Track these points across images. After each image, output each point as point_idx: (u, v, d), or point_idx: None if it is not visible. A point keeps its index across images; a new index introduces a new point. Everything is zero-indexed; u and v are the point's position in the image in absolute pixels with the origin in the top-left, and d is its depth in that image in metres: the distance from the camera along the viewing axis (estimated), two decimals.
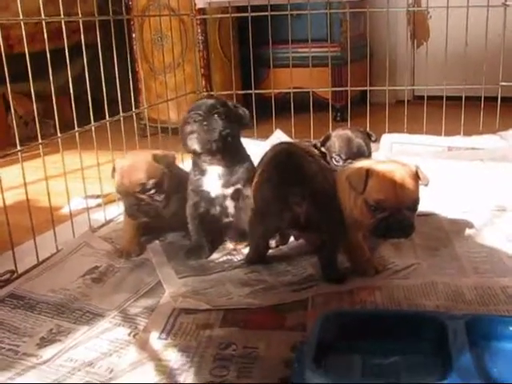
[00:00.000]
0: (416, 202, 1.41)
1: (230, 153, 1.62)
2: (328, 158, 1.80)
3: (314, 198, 1.41)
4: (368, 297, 1.38)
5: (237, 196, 1.64)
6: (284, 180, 1.42)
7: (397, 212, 1.38)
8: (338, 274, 1.47)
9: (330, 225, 1.47)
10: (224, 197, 1.65)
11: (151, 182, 1.61)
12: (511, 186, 2.07)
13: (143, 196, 1.62)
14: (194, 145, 1.57)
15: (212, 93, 1.62)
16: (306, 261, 1.57)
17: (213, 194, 1.65)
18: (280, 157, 1.48)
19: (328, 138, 1.85)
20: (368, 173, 1.41)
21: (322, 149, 1.83)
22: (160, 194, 1.64)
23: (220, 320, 1.31)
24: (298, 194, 1.40)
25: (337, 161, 1.77)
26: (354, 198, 1.45)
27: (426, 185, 1.45)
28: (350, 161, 1.73)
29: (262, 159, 1.59)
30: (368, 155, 1.80)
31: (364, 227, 1.45)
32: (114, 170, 1.67)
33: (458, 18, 2.58)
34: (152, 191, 1.62)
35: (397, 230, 1.40)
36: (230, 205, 1.66)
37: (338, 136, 1.82)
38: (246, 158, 1.68)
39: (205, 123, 1.55)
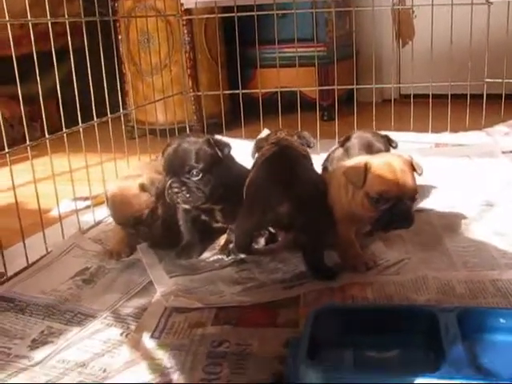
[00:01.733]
0: (416, 190, 1.43)
1: (217, 192, 1.57)
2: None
3: (297, 200, 1.42)
4: (359, 292, 1.38)
5: (227, 210, 1.64)
6: (271, 181, 1.44)
7: (399, 202, 1.40)
8: (327, 272, 1.48)
9: (314, 227, 1.47)
10: (213, 209, 1.66)
11: (145, 213, 1.61)
12: (498, 182, 2.09)
13: (140, 227, 1.63)
14: (185, 206, 1.60)
15: (185, 135, 1.63)
16: (296, 258, 1.56)
17: (202, 206, 1.64)
18: (272, 158, 1.50)
19: (347, 139, 1.81)
20: (366, 166, 1.43)
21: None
22: (156, 221, 1.64)
23: (212, 318, 1.31)
24: (280, 194, 1.41)
25: None
26: (352, 194, 1.46)
27: (421, 174, 1.47)
28: None
29: (257, 160, 1.60)
30: None
31: (365, 221, 1.46)
32: (106, 199, 1.67)
33: (442, 16, 2.61)
34: (148, 221, 1.62)
35: (401, 220, 1.42)
36: (219, 214, 1.67)
37: (359, 139, 1.78)
38: (236, 176, 1.61)
39: (187, 195, 1.53)
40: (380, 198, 1.40)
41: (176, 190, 1.52)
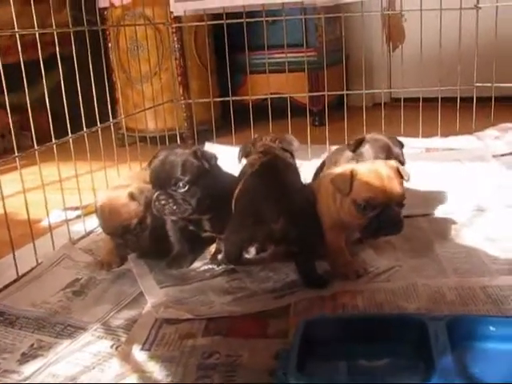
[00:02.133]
0: (403, 196, 1.43)
1: (204, 203, 1.57)
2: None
3: (290, 215, 1.41)
4: (350, 301, 1.38)
5: (214, 219, 1.64)
6: (262, 196, 1.44)
7: (387, 208, 1.40)
8: (319, 280, 1.47)
9: (307, 239, 1.47)
10: (201, 219, 1.65)
11: (133, 222, 1.61)
12: (489, 187, 2.09)
13: (128, 236, 1.62)
14: (172, 217, 1.60)
15: (173, 146, 1.67)
16: (287, 267, 1.56)
17: (190, 217, 1.62)
18: (260, 171, 1.50)
19: (360, 143, 1.73)
20: (352, 173, 1.43)
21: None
22: (144, 230, 1.63)
23: (202, 329, 1.31)
24: (274, 210, 1.41)
25: None
26: (340, 201, 1.47)
27: (408, 180, 1.47)
28: None
29: (245, 168, 1.60)
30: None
31: (354, 228, 1.47)
32: (96, 210, 1.67)
33: (432, 20, 2.61)
34: (136, 230, 1.62)
35: (389, 226, 1.42)
36: (207, 224, 1.66)
37: (374, 142, 1.71)
38: (223, 186, 1.60)
39: (174, 207, 1.53)
40: (367, 205, 1.41)
41: (163, 202, 1.52)
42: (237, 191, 1.52)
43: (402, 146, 1.78)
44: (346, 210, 1.45)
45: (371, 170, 1.43)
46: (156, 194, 1.53)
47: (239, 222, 1.48)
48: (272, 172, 1.50)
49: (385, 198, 1.40)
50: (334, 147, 1.96)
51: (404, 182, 1.47)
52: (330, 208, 1.51)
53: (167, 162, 1.54)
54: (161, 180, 1.54)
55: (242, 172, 1.63)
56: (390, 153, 1.68)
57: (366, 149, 1.71)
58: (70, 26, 1.99)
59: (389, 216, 1.41)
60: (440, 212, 1.91)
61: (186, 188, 1.53)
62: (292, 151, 1.68)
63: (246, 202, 1.48)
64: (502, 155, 2.50)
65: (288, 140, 1.69)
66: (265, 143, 1.66)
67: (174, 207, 1.52)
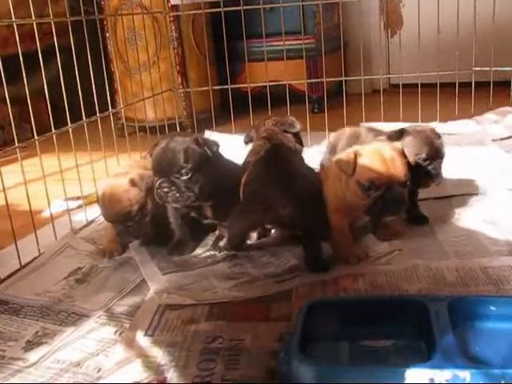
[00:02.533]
0: (406, 177, 1.44)
1: (207, 190, 1.57)
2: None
3: (298, 200, 1.42)
4: (351, 284, 1.39)
5: (216, 206, 1.64)
6: (270, 182, 1.44)
7: (390, 188, 1.41)
8: (322, 264, 1.48)
9: (314, 224, 1.48)
10: (203, 206, 1.65)
11: (134, 208, 1.61)
12: (488, 170, 2.10)
13: (130, 223, 1.62)
14: (174, 205, 1.60)
15: (174, 134, 1.65)
16: (288, 251, 1.58)
17: (192, 204, 1.62)
18: (267, 158, 1.51)
19: (402, 134, 1.68)
20: (356, 155, 1.44)
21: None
22: (145, 216, 1.64)
23: (205, 314, 1.32)
24: (283, 196, 1.42)
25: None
26: (345, 183, 1.48)
27: (411, 161, 1.49)
28: (428, 161, 1.61)
29: (250, 155, 1.61)
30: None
31: (359, 210, 1.48)
32: (97, 199, 1.67)
33: (429, 5, 2.61)
34: (137, 217, 1.62)
35: (393, 206, 1.44)
36: (209, 211, 1.66)
37: (417, 134, 1.67)
38: (225, 173, 1.61)
39: (177, 195, 1.53)
40: (371, 185, 1.42)
41: (166, 189, 1.52)
42: (244, 178, 1.52)
43: (439, 137, 1.74)
44: (352, 190, 1.47)
45: (374, 151, 1.45)
46: (158, 181, 1.54)
47: (246, 207, 1.49)
48: (277, 158, 1.51)
49: (388, 179, 1.42)
50: (333, 134, 1.96)
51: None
52: (337, 190, 1.52)
53: (169, 149, 1.54)
54: (163, 168, 1.54)
55: (247, 159, 1.63)
56: (432, 145, 1.64)
57: (410, 140, 1.65)
58: (68, 15, 1.98)
59: (392, 196, 1.42)
60: (440, 195, 1.91)
61: (189, 175, 1.53)
62: (296, 133, 1.69)
63: (254, 189, 1.48)
64: (501, 139, 2.50)
65: (289, 122, 1.70)
66: (267, 128, 1.67)
67: (177, 195, 1.53)
